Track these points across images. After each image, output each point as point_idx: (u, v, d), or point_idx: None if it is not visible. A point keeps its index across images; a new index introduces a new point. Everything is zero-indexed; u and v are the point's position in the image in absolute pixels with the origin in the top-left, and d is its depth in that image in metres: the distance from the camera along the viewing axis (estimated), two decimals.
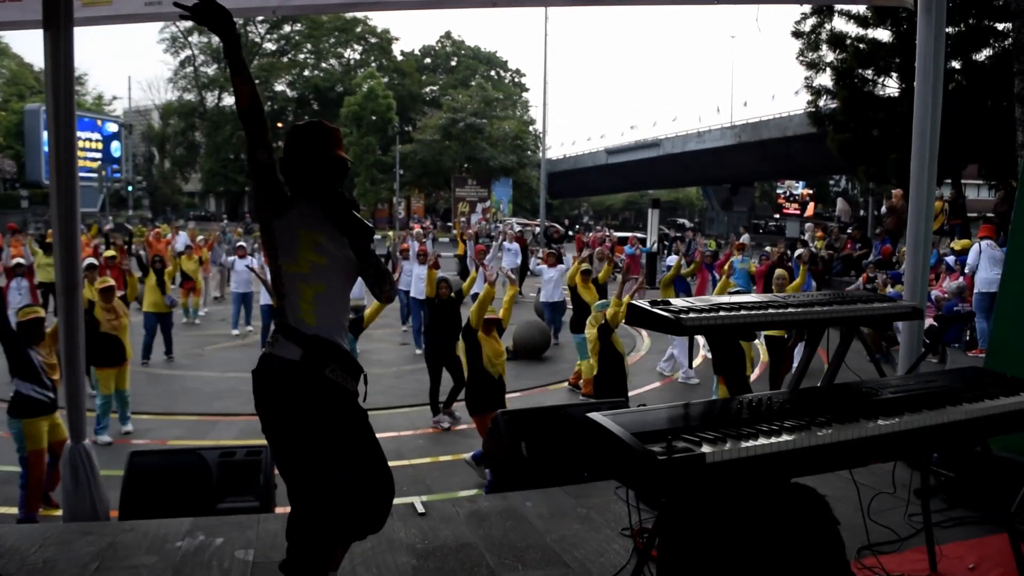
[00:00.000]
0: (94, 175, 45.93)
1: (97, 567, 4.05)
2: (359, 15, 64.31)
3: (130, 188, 54.15)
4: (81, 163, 44.68)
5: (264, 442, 5.29)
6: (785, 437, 2.66)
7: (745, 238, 22.33)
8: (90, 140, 49.50)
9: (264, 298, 13.23)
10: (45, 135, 41.84)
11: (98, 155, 48.83)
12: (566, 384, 11.11)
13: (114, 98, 71.16)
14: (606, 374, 8.29)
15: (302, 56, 69.44)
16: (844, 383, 3.45)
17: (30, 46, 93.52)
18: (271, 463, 5.42)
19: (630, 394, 8.47)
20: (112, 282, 9.06)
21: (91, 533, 4.56)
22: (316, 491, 3.03)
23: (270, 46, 68.60)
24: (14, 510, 6.34)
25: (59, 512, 5.77)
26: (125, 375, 8.89)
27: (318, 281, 3.04)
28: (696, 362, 11.99)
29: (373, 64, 67.78)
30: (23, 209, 49.02)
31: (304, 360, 2.98)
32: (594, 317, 8.80)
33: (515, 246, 20.52)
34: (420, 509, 4.84)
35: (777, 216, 60.87)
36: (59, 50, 4.55)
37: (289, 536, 3.13)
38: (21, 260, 13.75)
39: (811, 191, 60.16)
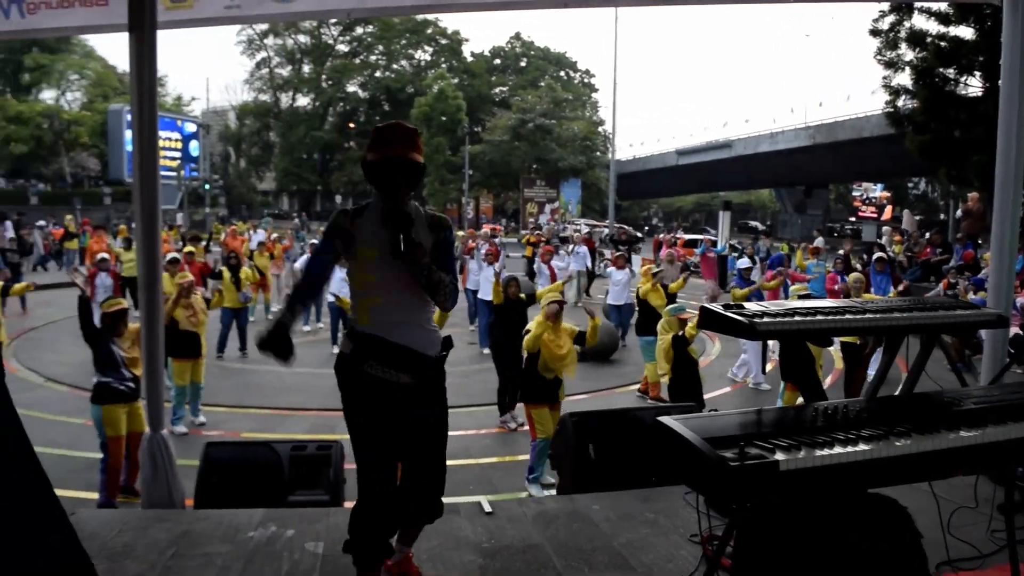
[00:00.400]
0: (173, 173, 47.25)
1: (173, 554, 4.16)
2: (429, 17, 64.89)
3: (207, 186, 55.54)
4: (161, 162, 46.19)
5: (334, 437, 5.38)
6: (862, 446, 2.60)
7: (820, 242, 21.86)
8: (170, 139, 50.84)
9: (331, 296, 13.44)
10: (127, 134, 43.39)
11: (177, 154, 50.12)
12: (636, 391, 10.94)
13: (193, 99, 73.16)
14: (681, 380, 8.15)
15: (374, 57, 70.38)
16: (924, 392, 3.35)
17: (114, 48, 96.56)
18: (341, 457, 5.50)
19: (710, 396, 8.32)
20: (191, 277, 9.35)
21: (167, 520, 4.69)
22: (359, 480, 3.38)
23: (343, 48, 69.71)
24: (96, 495, 6.57)
25: (139, 500, 5.96)
26: (200, 368, 9.14)
27: (375, 295, 3.37)
28: (768, 367, 11.79)
29: (443, 65, 68.29)
30: (106, 206, 50.79)
31: (351, 354, 3.35)
32: (667, 322, 8.65)
33: (583, 249, 20.39)
34: (487, 508, 4.86)
35: (853, 219, 59.50)
36: (143, 52, 4.69)
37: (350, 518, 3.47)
38: (105, 255, 14.22)
39: (888, 194, 58.57)
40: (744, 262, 13.32)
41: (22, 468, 2.27)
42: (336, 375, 3.40)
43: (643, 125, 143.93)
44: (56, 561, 2.51)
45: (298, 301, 3.49)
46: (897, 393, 3.54)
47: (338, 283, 13.29)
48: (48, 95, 65.82)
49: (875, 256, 14.27)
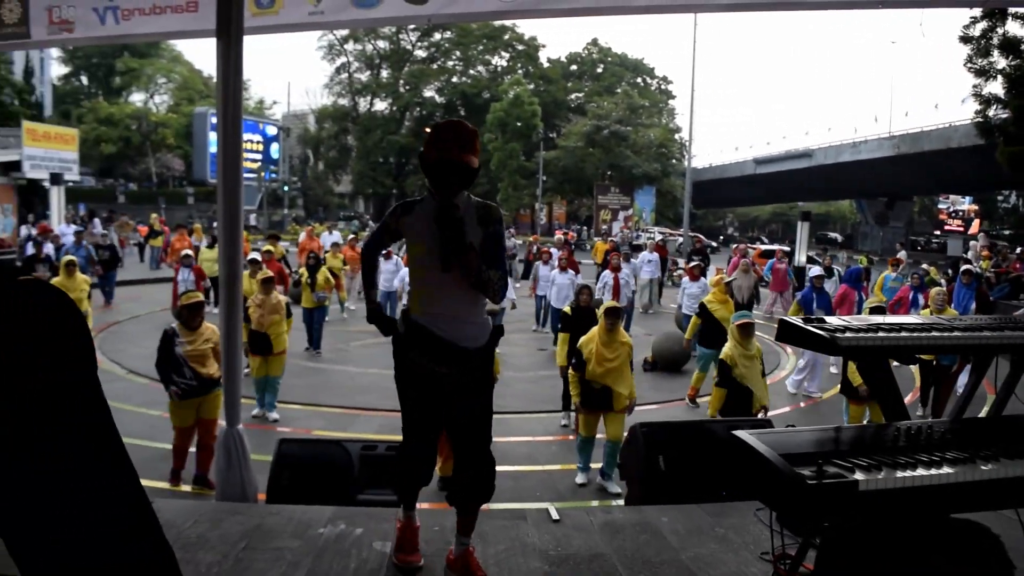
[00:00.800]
0: (254, 175, 48.43)
1: (245, 546, 4.24)
2: (507, 23, 65.16)
3: (286, 188, 56.78)
4: (251, 165, 47.40)
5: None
6: (946, 469, 2.51)
7: (902, 254, 21.27)
8: (252, 142, 52.12)
9: (406, 299, 13.56)
10: (211, 136, 44.64)
11: (259, 156, 51.39)
12: (686, 401, 10.75)
13: (274, 103, 74.98)
14: (735, 399, 7.84)
15: (451, 63, 70.98)
16: (1013, 415, 3.22)
17: (200, 53, 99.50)
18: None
19: (771, 414, 8.09)
20: (271, 273, 9.60)
21: (240, 513, 4.78)
22: (402, 442, 3.76)
23: (421, 53, 70.49)
24: (168, 485, 6.87)
25: (213, 493, 6.11)
26: (275, 363, 9.33)
27: (430, 285, 3.51)
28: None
29: (519, 71, 68.51)
30: (188, 205, 52.34)
31: (400, 339, 3.60)
32: (731, 331, 8.44)
33: (655, 256, 20.15)
34: (554, 516, 4.83)
35: (938, 232, 57.73)
36: (230, 57, 4.80)
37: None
38: (188, 252, 14.69)
39: (976, 207, 56.61)
40: (816, 270, 13.01)
41: (111, 456, 2.34)
42: (393, 351, 3.65)
43: (720, 133, 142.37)
44: (140, 548, 2.58)
45: (368, 288, 3.89)
46: (983, 415, 3.40)
47: (403, 282, 13.47)
48: (137, 98, 68.37)
49: (962, 269, 13.77)
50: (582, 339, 7.48)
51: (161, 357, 7.05)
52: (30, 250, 16.34)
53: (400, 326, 3.60)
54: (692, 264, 15.01)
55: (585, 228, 56.53)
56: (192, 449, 7.20)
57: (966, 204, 56.33)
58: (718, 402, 7.67)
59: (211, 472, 6.75)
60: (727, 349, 7.65)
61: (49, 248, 17.25)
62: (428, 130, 3.53)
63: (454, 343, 3.47)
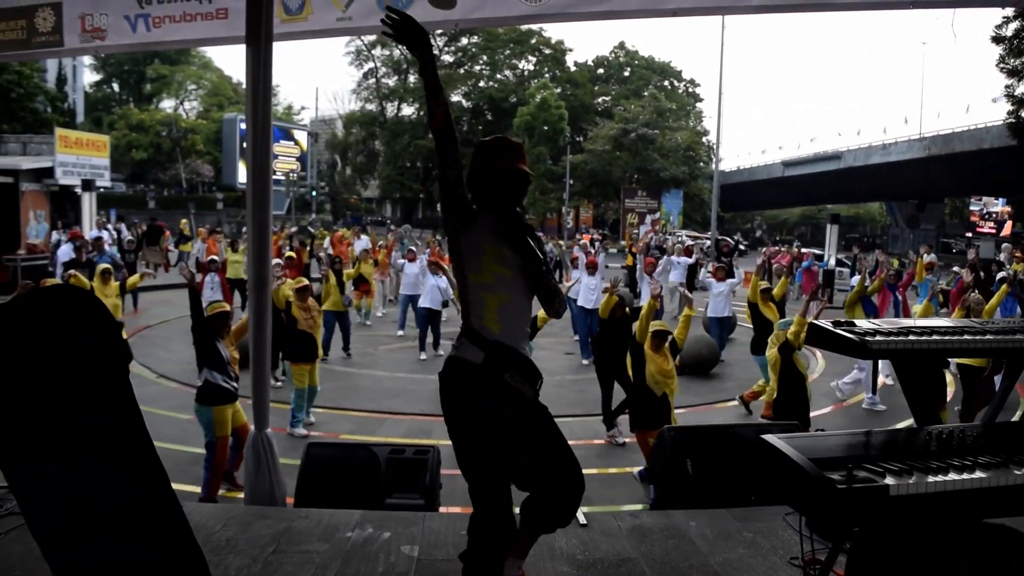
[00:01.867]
0: (283, 178, 48.83)
1: (274, 550, 4.28)
2: (534, 27, 65.25)
3: (314, 193, 57.15)
4: (281, 167, 47.83)
5: (431, 442, 5.44)
6: (978, 474, 2.48)
7: (931, 257, 20.98)
8: (281, 147, 52.51)
9: (423, 301, 13.63)
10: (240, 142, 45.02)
11: (291, 162, 51.81)
12: (735, 400, 10.75)
13: (303, 108, 75.56)
14: (788, 396, 7.95)
15: (478, 68, 71.15)
16: None
17: (229, 59, 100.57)
18: (437, 463, 5.57)
19: (816, 414, 8.10)
20: (307, 281, 9.68)
21: (269, 517, 4.82)
22: (484, 493, 3.20)
23: (447, 58, 70.71)
24: (198, 488, 6.81)
25: (241, 495, 6.16)
26: (316, 371, 9.38)
27: (503, 291, 3.20)
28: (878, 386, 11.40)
29: (546, 75, 68.51)
30: (218, 211, 52.84)
31: (485, 364, 3.14)
32: (776, 336, 8.44)
33: (684, 259, 20.01)
34: (582, 520, 4.83)
35: (969, 235, 56.93)
36: (259, 64, 4.85)
37: (469, 531, 3.28)
38: (215, 257, 14.85)
39: (1010, 208, 55.72)
40: (856, 279, 12.89)
41: (143, 459, 2.38)
42: (464, 388, 3.17)
43: (748, 135, 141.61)
44: (171, 549, 2.62)
45: (441, 91, 3.40)
46: (1017, 419, 3.35)
47: (431, 290, 13.49)
48: (167, 104, 69.18)
49: (998, 276, 13.55)
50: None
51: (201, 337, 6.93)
52: (68, 254, 16.50)
53: (468, 352, 3.18)
54: (718, 265, 14.90)
55: (608, 232, 56.37)
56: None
57: (999, 206, 55.42)
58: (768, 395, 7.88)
59: (238, 473, 6.80)
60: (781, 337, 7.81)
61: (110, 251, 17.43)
62: (484, 145, 3.37)
63: (532, 362, 3.29)
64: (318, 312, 9.47)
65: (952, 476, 2.44)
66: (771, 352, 8.30)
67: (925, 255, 19.67)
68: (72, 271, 11.61)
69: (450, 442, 3.27)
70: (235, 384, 6.87)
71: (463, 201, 3.26)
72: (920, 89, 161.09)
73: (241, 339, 7.08)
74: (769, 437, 2.63)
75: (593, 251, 16.93)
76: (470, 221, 3.23)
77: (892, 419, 9.96)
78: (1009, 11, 20.63)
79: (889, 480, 2.35)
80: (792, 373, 7.96)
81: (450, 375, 3.22)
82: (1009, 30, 21.22)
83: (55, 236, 22.93)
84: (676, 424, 7.35)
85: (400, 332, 15.52)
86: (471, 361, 3.16)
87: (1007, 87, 21.84)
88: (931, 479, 2.41)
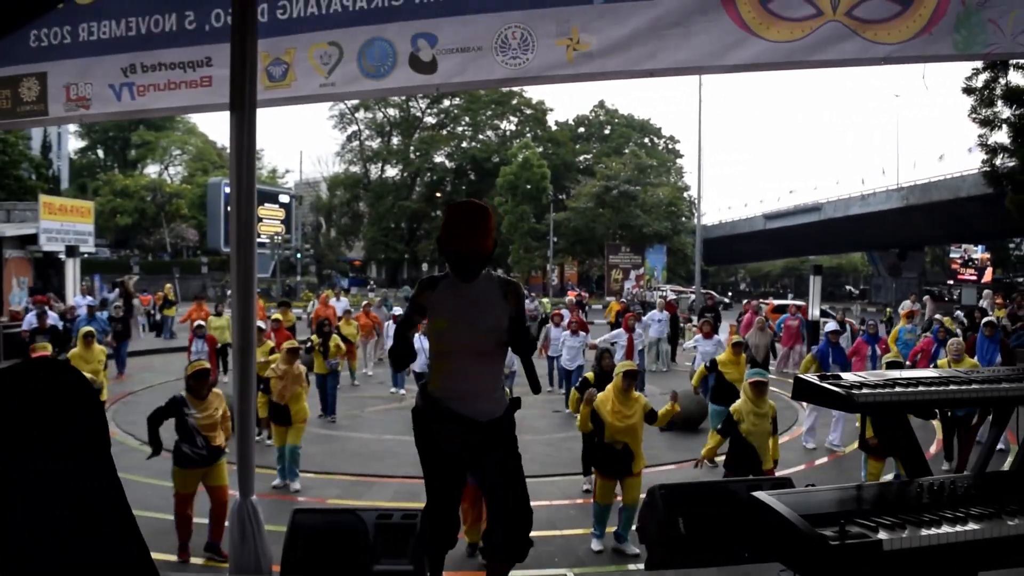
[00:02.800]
0: (268, 241, 48.93)
1: None
2: (515, 89, 66.31)
3: (299, 255, 57.23)
4: (265, 230, 47.91)
5: (419, 505, 5.40)
6: (972, 526, 2.46)
7: (908, 305, 21.12)
8: (265, 210, 52.73)
9: (416, 366, 13.58)
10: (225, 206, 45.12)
11: (275, 224, 51.93)
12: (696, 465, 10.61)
13: (287, 171, 76.12)
14: (737, 454, 7.73)
15: (460, 128, 72.10)
16: None
17: (213, 124, 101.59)
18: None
19: (790, 471, 7.99)
20: (296, 343, 9.60)
21: None
22: (428, 501, 3.75)
23: (430, 120, 71.68)
24: (176, 558, 6.76)
25: (226, 565, 6.03)
26: (294, 432, 9.22)
27: (444, 359, 3.67)
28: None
29: (528, 134, 69.47)
30: (202, 275, 52.79)
31: (422, 412, 3.68)
32: (744, 388, 8.31)
33: (664, 315, 19.96)
34: None
35: (951, 282, 57.52)
36: (243, 130, 4.88)
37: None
38: (202, 322, 14.78)
39: (989, 255, 56.45)
40: (831, 325, 12.91)
41: (121, 531, 2.33)
42: (413, 422, 3.75)
43: (729, 189, 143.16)
44: None
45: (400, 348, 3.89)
46: (1007, 468, 3.34)
47: (418, 353, 13.42)
48: (152, 169, 69.64)
49: (983, 321, 13.61)
50: (596, 399, 7.42)
51: (157, 414, 7.06)
52: (32, 321, 16.44)
53: (418, 400, 3.73)
54: (703, 320, 14.93)
55: (592, 288, 56.60)
56: (201, 520, 7.12)
57: (979, 252, 56.15)
58: (711, 447, 7.71)
59: (223, 542, 6.68)
60: (738, 404, 7.60)
61: (53, 317, 17.27)
62: (447, 210, 3.74)
63: (472, 418, 3.57)
64: (301, 385, 9.30)
65: (945, 529, 2.42)
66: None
67: (910, 303, 19.84)
68: (35, 344, 11.56)
69: None
70: (202, 452, 6.90)
71: (412, 317, 3.75)
72: (895, 140, 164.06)
73: (224, 405, 7.11)
74: (760, 494, 2.62)
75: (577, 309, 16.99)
76: (422, 307, 3.66)
77: (852, 465, 9.97)
78: (979, 63, 21.13)
79: (882, 535, 2.33)
80: (739, 440, 7.67)
81: (413, 414, 3.79)
82: (979, 81, 21.69)
83: (19, 301, 22.86)
84: (636, 472, 7.24)
85: (392, 390, 15.38)
86: (417, 407, 3.73)
87: (980, 136, 22.25)
88: (924, 532, 2.39)
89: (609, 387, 7.44)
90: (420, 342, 13.14)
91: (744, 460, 7.43)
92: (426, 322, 3.75)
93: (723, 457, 8.06)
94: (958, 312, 22.90)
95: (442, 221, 3.62)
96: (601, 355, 9.41)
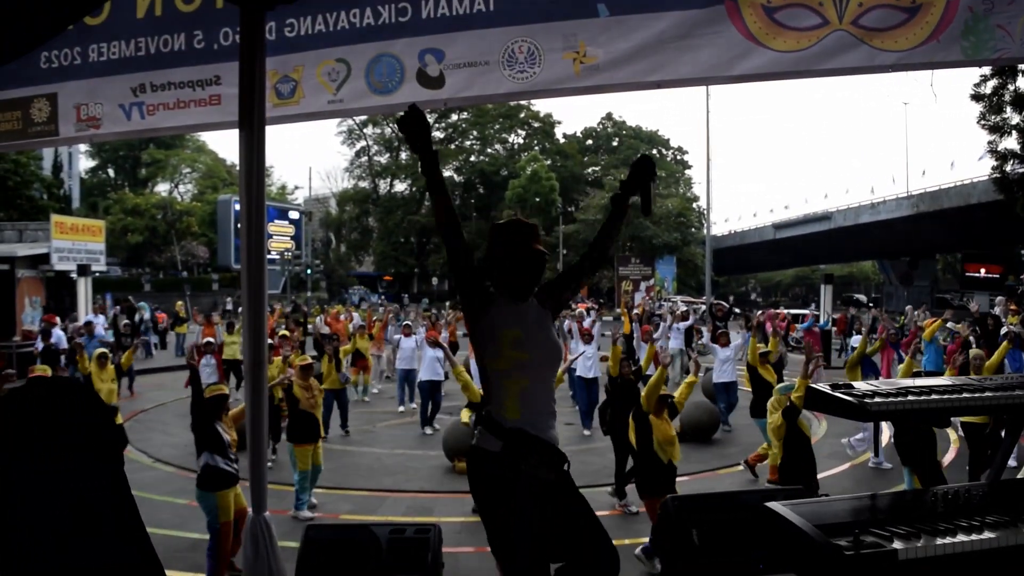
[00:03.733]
0: (278, 257, 49.14)
1: None
2: (523, 102, 66.50)
3: (309, 271, 57.38)
4: (276, 246, 48.10)
5: (432, 520, 5.38)
6: (987, 534, 2.44)
7: (913, 313, 20.99)
8: (276, 227, 52.92)
9: (423, 374, 13.58)
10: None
11: (285, 240, 52.15)
12: (741, 465, 10.61)
13: (296, 187, 76.45)
14: (793, 460, 7.80)
15: (468, 142, 72.30)
16: None
17: (223, 142, 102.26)
18: (439, 541, 5.47)
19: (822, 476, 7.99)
20: (310, 360, 9.63)
21: None
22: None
23: (438, 134, 71.86)
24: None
25: None
26: (320, 451, 9.19)
27: (521, 376, 3.20)
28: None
29: (536, 147, 69.62)
30: (213, 292, 52.98)
31: (504, 452, 3.14)
32: (776, 400, 8.34)
33: (683, 324, 19.95)
34: None
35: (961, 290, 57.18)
36: (252, 147, 4.91)
37: None
38: (211, 339, 14.83)
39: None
40: (856, 339, 12.83)
41: (137, 549, 2.33)
42: (484, 475, 3.20)
43: (739, 199, 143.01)
44: None
45: (442, 187, 3.27)
46: (1022, 476, 3.32)
47: (430, 362, 13.45)
48: (162, 188, 69.99)
49: (1004, 331, 13.52)
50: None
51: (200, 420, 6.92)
52: (39, 345, 16.51)
53: (493, 442, 3.18)
54: (721, 331, 14.89)
55: (604, 300, 56.53)
56: (202, 536, 7.09)
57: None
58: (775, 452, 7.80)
59: (236, 558, 6.68)
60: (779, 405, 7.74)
61: (57, 336, 17.31)
62: (499, 228, 3.39)
63: (555, 445, 3.28)
64: (319, 391, 9.37)
65: (960, 538, 2.41)
66: (774, 417, 8.16)
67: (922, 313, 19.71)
68: (33, 367, 11.67)
69: (452, 519, 3.26)
70: (236, 467, 6.78)
71: (476, 287, 3.29)
72: (904, 148, 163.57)
73: (240, 422, 7.03)
74: (774, 504, 2.60)
75: (589, 320, 16.95)
76: (487, 305, 3.26)
77: (899, 478, 9.87)
78: (987, 69, 21.09)
79: (897, 544, 2.32)
80: (797, 436, 7.83)
81: (473, 465, 3.23)
82: (988, 88, 21.67)
83: (32, 321, 22.98)
84: (676, 492, 7.25)
85: (401, 408, 15.40)
86: (490, 450, 3.17)
87: (990, 143, 22.21)
88: (939, 541, 2.38)
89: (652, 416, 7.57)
90: (432, 352, 13.12)
91: (800, 462, 7.53)
92: (475, 339, 3.29)
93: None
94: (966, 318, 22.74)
95: (498, 235, 3.34)
96: (622, 363, 9.48)
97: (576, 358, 13.14)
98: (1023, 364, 11.62)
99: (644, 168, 3.51)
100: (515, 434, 3.15)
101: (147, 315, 26.06)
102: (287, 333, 14.19)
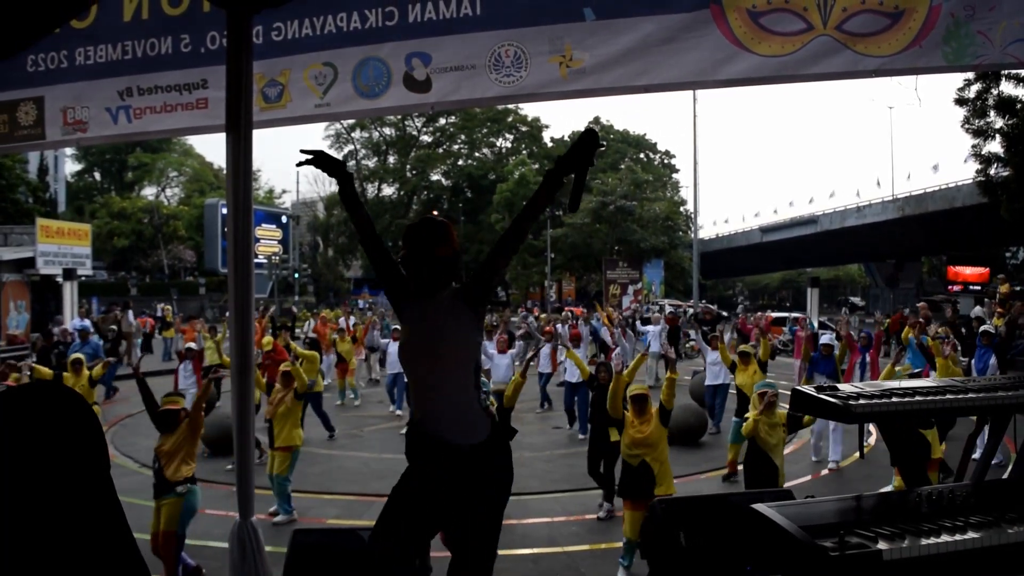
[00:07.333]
0: (265, 261, 48.97)
1: None
2: (510, 106, 66.57)
3: (296, 275, 57.20)
4: (263, 250, 47.91)
5: None
6: (971, 534, 2.46)
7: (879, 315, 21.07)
8: (263, 231, 52.73)
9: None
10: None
11: (273, 244, 51.95)
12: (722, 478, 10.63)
13: (283, 191, 76.20)
14: (758, 462, 7.75)
15: (456, 147, 72.30)
16: None
17: (210, 146, 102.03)
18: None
19: (793, 483, 7.99)
20: (290, 366, 9.56)
21: None
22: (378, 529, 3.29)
23: (426, 138, 71.89)
24: None
25: None
26: (285, 460, 8.99)
27: (418, 369, 3.30)
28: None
29: (524, 151, 69.67)
30: (200, 296, 52.75)
31: (406, 446, 3.37)
32: (753, 400, 8.30)
33: (652, 329, 19.65)
34: None
35: (951, 290, 57.51)
36: (239, 151, 4.90)
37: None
38: (192, 345, 14.60)
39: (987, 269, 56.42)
40: (826, 338, 12.80)
41: (123, 554, 2.32)
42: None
43: (726, 203, 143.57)
44: None
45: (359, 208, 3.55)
46: (1006, 476, 3.35)
47: None
48: (149, 191, 69.67)
49: (981, 329, 13.58)
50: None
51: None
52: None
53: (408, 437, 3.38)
54: (712, 335, 14.91)
55: (595, 301, 56.58)
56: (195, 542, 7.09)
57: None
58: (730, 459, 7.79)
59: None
60: (750, 416, 7.66)
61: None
62: (406, 229, 3.43)
63: (446, 440, 3.18)
64: (290, 403, 9.19)
65: (945, 538, 2.43)
66: (750, 414, 8.00)
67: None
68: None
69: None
70: (158, 478, 6.83)
71: (392, 288, 3.43)
72: (889, 151, 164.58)
73: (193, 434, 7.00)
74: (760, 506, 2.62)
75: (575, 322, 16.96)
76: (399, 303, 3.41)
77: (885, 480, 9.93)
78: (971, 74, 21.26)
79: (882, 545, 2.33)
80: (760, 444, 7.70)
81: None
82: (971, 92, 21.85)
83: (17, 326, 22.80)
84: (674, 494, 7.21)
85: (399, 412, 15.19)
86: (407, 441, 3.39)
87: (973, 146, 22.41)
88: (924, 542, 2.40)
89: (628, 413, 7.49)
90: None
91: (761, 472, 7.47)
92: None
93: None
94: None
95: (404, 238, 3.34)
96: (598, 368, 9.47)
97: (562, 361, 13.17)
98: (987, 365, 11.72)
99: (588, 143, 3.17)
100: (412, 431, 3.33)
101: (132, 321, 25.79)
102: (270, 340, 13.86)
